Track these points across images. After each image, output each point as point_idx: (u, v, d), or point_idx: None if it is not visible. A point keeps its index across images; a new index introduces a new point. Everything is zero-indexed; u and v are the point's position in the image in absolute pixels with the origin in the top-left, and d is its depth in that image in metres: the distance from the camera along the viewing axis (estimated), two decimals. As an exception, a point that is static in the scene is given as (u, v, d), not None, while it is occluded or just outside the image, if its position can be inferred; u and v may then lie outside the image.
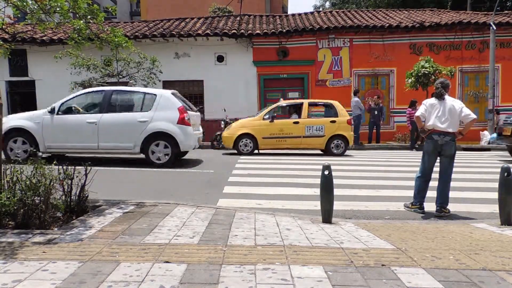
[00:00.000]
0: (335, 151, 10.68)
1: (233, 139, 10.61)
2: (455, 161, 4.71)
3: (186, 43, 15.08)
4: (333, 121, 10.69)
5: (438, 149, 4.59)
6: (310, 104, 11.10)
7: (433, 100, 4.69)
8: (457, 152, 4.72)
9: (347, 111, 14.65)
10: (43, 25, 4.22)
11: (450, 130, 4.53)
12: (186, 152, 9.12)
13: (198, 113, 9.30)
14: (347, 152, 11.00)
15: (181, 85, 15.46)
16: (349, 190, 5.77)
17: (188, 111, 8.11)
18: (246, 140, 10.59)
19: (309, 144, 10.74)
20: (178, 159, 8.66)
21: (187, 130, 7.86)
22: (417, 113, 4.75)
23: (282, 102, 11.53)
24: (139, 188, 5.88)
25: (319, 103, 11.38)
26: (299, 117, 10.81)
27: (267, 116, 10.72)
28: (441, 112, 4.57)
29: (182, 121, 7.78)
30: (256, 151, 10.71)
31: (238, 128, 10.74)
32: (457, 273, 2.51)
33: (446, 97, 4.64)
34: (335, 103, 11.06)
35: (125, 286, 2.18)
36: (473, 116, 4.54)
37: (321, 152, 11.03)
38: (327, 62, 15.11)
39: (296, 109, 11.25)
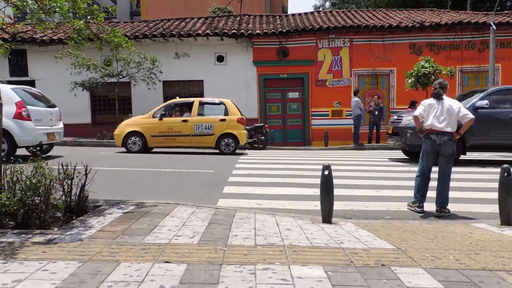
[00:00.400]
0: (225, 149, 10.65)
1: (121, 137, 10.65)
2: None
3: (186, 43, 15.08)
4: (223, 120, 10.66)
5: (436, 148, 4.62)
6: (201, 103, 11.05)
7: (431, 101, 4.73)
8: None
9: (347, 111, 14.84)
10: (43, 25, 4.22)
11: (448, 129, 4.56)
12: (50, 148, 9.24)
13: (54, 109, 9.15)
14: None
15: (181, 85, 15.49)
16: (349, 190, 5.77)
17: (33, 106, 8.13)
18: (135, 138, 10.61)
19: (198, 143, 10.73)
20: (42, 156, 8.74)
21: (25, 125, 7.89)
22: (415, 113, 4.78)
23: (174, 101, 11.42)
24: (139, 188, 5.88)
25: (210, 102, 11.34)
26: (191, 115, 10.81)
27: (158, 115, 10.72)
28: (439, 112, 4.61)
29: (19, 116, 7.82)
30: (149, 150, 10.72)
31: (127, 126, 10.78)
32: (457, 273, 2.51)
33: (444, 97, 4.68)
34: (227, 102, 11.03)
35: (125, 286, 2.18)
36: (471, 116, 4.56)
37: (217, 151, 10.94)
38: (327, 62, 15.11)
39: (189, 108, 11.15)
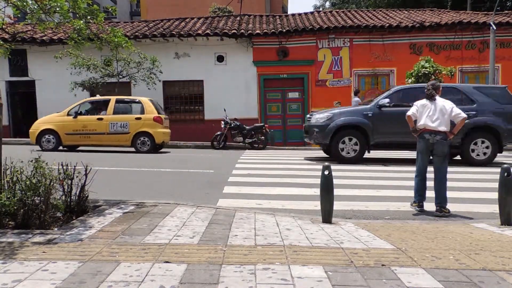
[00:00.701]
0: (141, 148, 10.62)
1: (35, 135, 10.62)
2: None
3: (186, 43, 15.08)
4: (138, 118, 10.63)
5: (430, 148, 4.69)
6: (117, 101, 11.00)
7: (424, 101, 4.82)
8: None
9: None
10: (43, 25, 4.22)
11: (441, 129, 4.61)
12: None
13: None
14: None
15: (181, 85, 15.48)
16: (349, 190, 5.77)
17: None
18: (49, 136, 10.60)
19: (114, 141, 10.70)
20: None
21: None
22: (409, 113, 4.86)
23: (91, 99, 11.35)
24: (139, 188, 5.88)
25: (127, 100, 11.27)
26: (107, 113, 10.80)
27: (72, 113, 10.71)
28: (432, 112, 4.69)
29: None
30: (60, 148, 10.69)
31: (41, 124, 10.76)
32: (457, 273, 2.51)
33: (437, 98, 4.78)
34: (143, 100, 10.98)
35: (125, 286, 2.18)
36: (463, 115, 4.61)
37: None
38: (327, 62, 15.11)
39: (106, 106, 11.07)
